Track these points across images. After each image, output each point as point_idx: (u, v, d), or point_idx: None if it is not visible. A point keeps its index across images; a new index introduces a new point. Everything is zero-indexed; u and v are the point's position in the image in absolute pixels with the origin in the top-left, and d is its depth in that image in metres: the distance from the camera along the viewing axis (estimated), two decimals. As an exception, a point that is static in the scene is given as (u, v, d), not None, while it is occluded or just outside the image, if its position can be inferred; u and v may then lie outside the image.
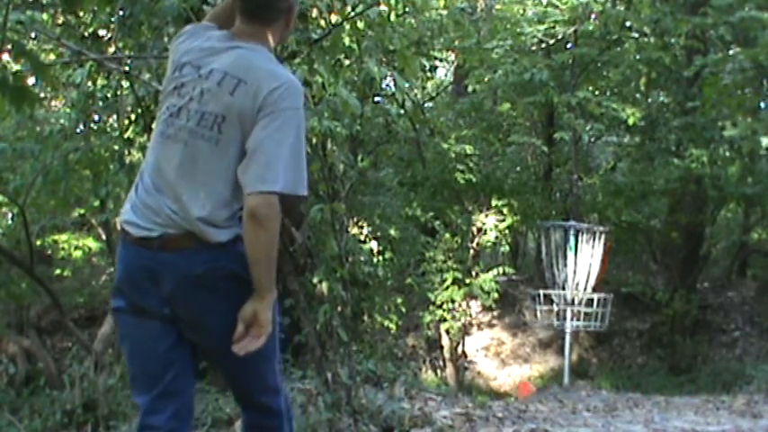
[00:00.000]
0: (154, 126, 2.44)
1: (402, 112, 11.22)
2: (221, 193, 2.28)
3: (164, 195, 2.30)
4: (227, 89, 2.29)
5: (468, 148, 11.15)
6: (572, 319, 9.32)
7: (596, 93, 11.85)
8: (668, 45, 10.61)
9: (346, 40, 4.68)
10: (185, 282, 2.29)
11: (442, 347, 11.56)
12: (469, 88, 12.27)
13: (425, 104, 13.78)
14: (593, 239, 9.41)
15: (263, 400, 2.48)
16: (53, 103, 9.32)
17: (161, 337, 2.36)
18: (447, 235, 10.95)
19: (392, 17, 8.60)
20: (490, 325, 12.49)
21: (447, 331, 11.12)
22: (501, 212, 11.41)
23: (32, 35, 6.70)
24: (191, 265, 2.28)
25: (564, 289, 9.33)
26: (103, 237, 10.22)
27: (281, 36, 2.49)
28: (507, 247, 14.33)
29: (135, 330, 2.38)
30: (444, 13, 11.38)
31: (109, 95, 6.85)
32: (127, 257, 2.36)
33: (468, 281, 10.75)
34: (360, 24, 4.72)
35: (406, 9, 9.07)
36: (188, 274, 2.28)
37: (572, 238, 9.35)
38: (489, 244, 11.91)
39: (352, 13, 4.25)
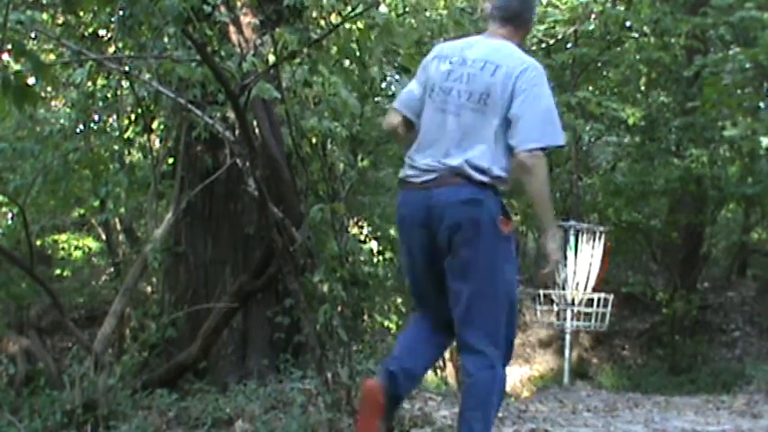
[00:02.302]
0: (426, 106, 3.11)
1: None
2: (483, 149, 2.94)
3: (436, 150, 3.00)
4: (488, 72, 2.97)
5: (468, 148, 11.12)
6: (572, 319, 9.31)
7: (596, 93, 11.84)
8: (668, 45, 10.60)
9: (354, 46, 4.68)
10: (453, 207, 2.90)
11: (442, 347, 11.55)
12: (470, 88, 12.26)
13: (425, 104, 13.77)
14: (593, 239, 9.40)
15: (481, 345, 2.91)
16: (53, 103, 9.31)
17: (427, 266, 3.02)
18: (447, 235, 10.93)
19: (392, 17, 8.61)
20: (490, 325, 12.48)
21: (447, 331, 11.10)
22: (501, 212, 11.39)
23: (32, 35, 6.69)
24: (458, 194, 2.91)
25: (564, 289, 9.32)
26: (103, 237, 10.21)
27: (521, 41, 3.17)
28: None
29: (408, 257, 3.11)
30: (444, 13, 11.38)
31: (109, 95, 6.85)
32: (409, 199, 3.07)
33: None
34: (360, 24, 4.71)
35: (407, 9, 9.08)
36: (455, 200, 2.90)
37: (572, 238, 9.34)
38: (489, 244, 11.89)
39: (353, 14, 4.24)
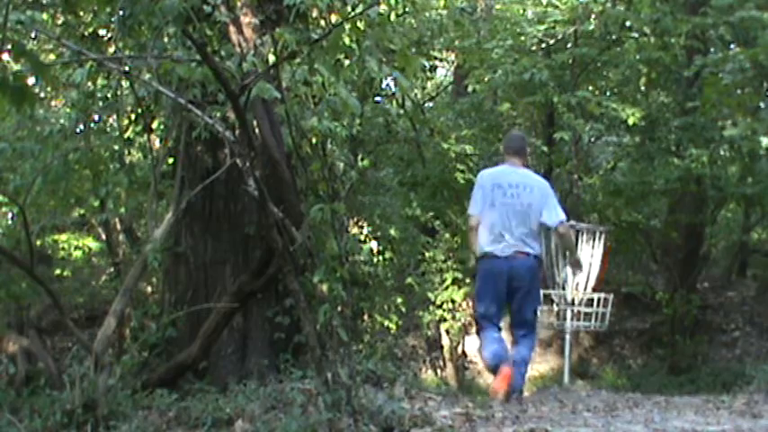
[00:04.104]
0: (490, 213, 5.53)
1: (402, 112, 11.21)
2: (533, 233, 5.55)
3: (508, 236, 5.48)
4: (528, 191, 5.55)
5: (469, 148, 11.15)
6: (572, 319, 9.30)
7: (596, 93, 11.84)
8: (668, 45, 10.59)
9: (346, 40, 4.68)
10: (523, 269, 5.49)
11: (442, 347, 11.56)
12: (469, 88, 12.26)
13: (425, 104, 13.78)
14: (593, 239, 9.40)
15: (530, 321, 5.65)
16: (53, 103, 9.31)
17: (501, 297, 5.55)
18: (447, 235, 10.94)
19: (392, 17, 8.62)
20: (490, 325, 12.45)
21: (447, 331, 11.11)
22: (501, 212, 11.37)
23: (32, 35, 6.70)
24: (526, 263, 5.50)
25: (564, 289, 9.32)
26: (103, 237, 10.21)
27: (526, 161, 5.84)
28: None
29: (490, 292, 5.54)
30: (444, 13, 11.38)
31: (109, 95, 6.85)
32: (494, 264, 5.49)
33: (468, 281, 10.74)
34: (360, 24, 4.71)
35: (407, 9, 9.08)
36: (525, 266, 5.49)
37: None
38: (489, 244, 11.87)
39: (352, 14, 4.24)
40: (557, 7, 10.63)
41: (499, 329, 5.63)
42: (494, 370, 5.41)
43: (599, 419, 4.88)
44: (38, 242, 9.03)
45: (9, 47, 2.90)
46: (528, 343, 5.63)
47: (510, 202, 5.45)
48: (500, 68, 10.67)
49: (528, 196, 5.50)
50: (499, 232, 5.44)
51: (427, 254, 10.72)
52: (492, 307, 5.56)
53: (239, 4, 5.88)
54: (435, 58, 12.42)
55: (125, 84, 6.60)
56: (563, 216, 5.65)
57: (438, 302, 10.62)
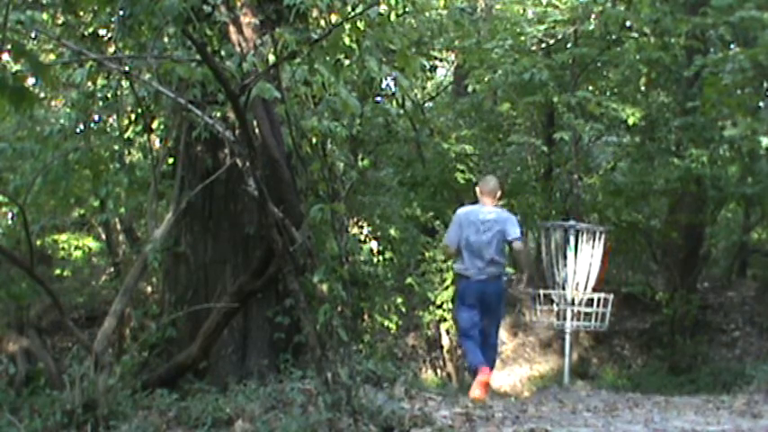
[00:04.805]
0: (466, 242, 6.62)
1: (402, 112, 11.21)
2: (500, 258, 6.61)
3: (478, 261, 6.55)
4: (497, 224, 6.57)
5: (469, 148, 11.14)
6: (572, 319, 9.31)
7: (596, 93, 11.83)
8: (668, 45, 10.59)
9: (346, 40, 4.68)
10: (491, 290, 6.61)
11: (442, 347, 11.55)
12: (469, 88, 12.25)
13: (425, 104, 13.78)
14: (593, 239, 9.40)
15: (495, 335, 6.91)
16: (53, 103, 9.31)
17: (476, 312, 6.58)
18: (447, 235, 10.91)
19: (392, 17, 8.62)
20: (490, 325, 12.45)
21: (447, 331, 11.11)
22: (501, 212, 11.38)
23: (32, 35, 6.70)
24: (494, 285, 6.62)
25: (564, 289, 9.32)
26: (103, 237, 10.21)
27: (497, 200, 6.83)
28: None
29: (466, 310, 6.63)
30: (444, 13, 11.39)
31: (109, 95, 6.85)
32: (470, 286, 6.58)
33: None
34: (360, 24, 4.71)
35: (407, 9, 9.08)
36: (493, 288, 6.62)
37: (572, 238, 9.34)
38: (489, 244, 11.87)
39: (352, 14, 4.24)
40: (557, 7, 10.64)
41: (478, 333, 6.76)
42: (475, 370, 6.48)
43: (599, 419, 4.89)
44: (38, 242, 9.03)
45: (9, 47, 2.89)
46: (493, 334, 6.96)
47: (482, 238, 6.57)
48: (500, 68, 10.67)
49: (495, 227, 6.60)
50: (473, 260, 6.58)
51: (427, 254, 10.71)
52: (471, 316, 6.75)
53: (239, 4, 5.88)
54: (435, 58, 12.43)
55: (125, 84, 6.60)
56: (519, 233, 6.66)
57: (438, 302, 10.62)
